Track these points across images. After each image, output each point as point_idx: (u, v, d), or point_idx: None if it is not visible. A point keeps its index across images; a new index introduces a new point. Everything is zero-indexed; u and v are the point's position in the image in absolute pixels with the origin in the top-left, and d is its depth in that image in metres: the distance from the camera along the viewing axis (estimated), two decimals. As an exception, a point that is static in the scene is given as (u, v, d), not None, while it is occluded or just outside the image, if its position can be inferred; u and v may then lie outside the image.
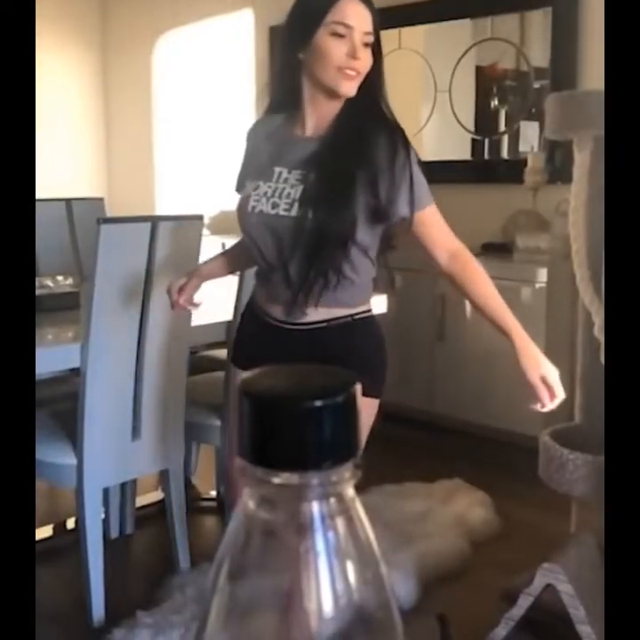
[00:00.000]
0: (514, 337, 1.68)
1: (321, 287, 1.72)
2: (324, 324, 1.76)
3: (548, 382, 1.65)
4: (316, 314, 1.75)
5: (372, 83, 1.74)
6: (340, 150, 1.72)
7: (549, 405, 1.65)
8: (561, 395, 1.66)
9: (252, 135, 1.89)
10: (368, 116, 1.74)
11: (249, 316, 1.91)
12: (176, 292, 1.89)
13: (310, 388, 0.33)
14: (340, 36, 1.67)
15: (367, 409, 1.78)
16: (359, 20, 1.68)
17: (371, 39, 1.69)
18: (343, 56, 1.68)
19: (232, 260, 2.02)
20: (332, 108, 1.76)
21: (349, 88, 1.71)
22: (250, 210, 1.75)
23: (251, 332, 1.89)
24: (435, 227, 1.75)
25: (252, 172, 1.81)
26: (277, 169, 1.76)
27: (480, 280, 1.75)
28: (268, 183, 1.75)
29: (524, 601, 2.02)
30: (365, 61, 1.70)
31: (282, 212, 1.72)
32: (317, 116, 1.77)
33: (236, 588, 0.34)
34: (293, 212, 1.70)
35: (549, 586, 1.96)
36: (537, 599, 2.00)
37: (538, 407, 1.67)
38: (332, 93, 1.72)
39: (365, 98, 1.74)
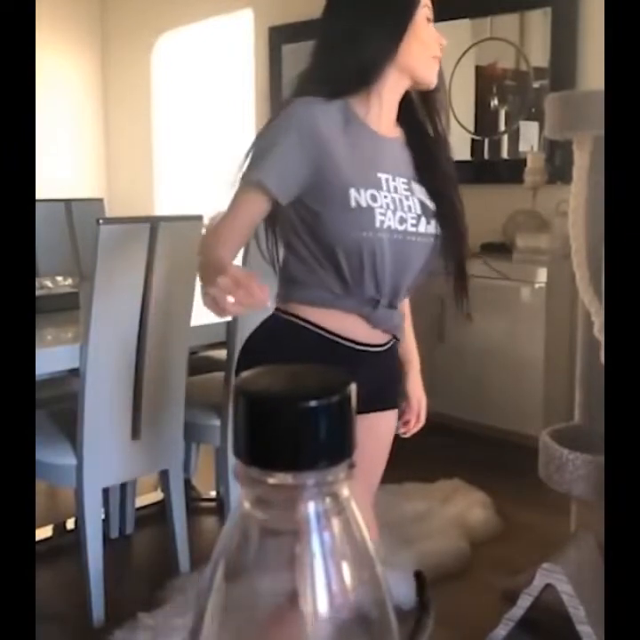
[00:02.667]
0: (412, 367, 1.80)
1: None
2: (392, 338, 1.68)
3: (420, 410, 1.82)
4: None
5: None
6: (440, 156, 1.62)
7: (412, 431, 1.82)
8: (422, 423, 1.82)
9: (320, 123, 1.51)
10: (430, 112, 1.65)
11: (307, 346, 1.56)
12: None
13: (306, 388, 0.33)
14: (429, 20, 1.55)
15: (395, 418, 1.76)
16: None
17: None
18: (434, 42, 1.56)
19: (232, 256, 1.73)
20: (397, 104, 1.61)
21: (436, 78, 1.58)
22: (378, 225, 1.50)
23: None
24: None
25: (346, 175, 1.50)
26: (382, 175, 1.54)
27: (408, 313, 1.80)
28: (383, 193, 1.52)
29: (523, 601, 2.02)
30: None
31: (410, 228, 1.54)
32: (390, 111, 1.60)
33: (231, 589, 0.34)
34: (421, 228, 1.55)
35: (549, 586, 1.96)
36: (537, 599, 2.00)
37: (402, 430, 1.81)
38: (418, 85, 1.58)
39: (428, 92, 1.63)
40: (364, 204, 1.49)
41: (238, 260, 2.53)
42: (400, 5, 1.53)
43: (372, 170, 1.53)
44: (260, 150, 1.50)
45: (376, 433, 1.65)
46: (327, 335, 1.55)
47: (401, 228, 1.52)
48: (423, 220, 1.56)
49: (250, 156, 1.52)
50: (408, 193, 1.55)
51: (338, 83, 1.53)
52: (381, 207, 1.50)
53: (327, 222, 1.50)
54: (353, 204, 1.49)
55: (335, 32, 1.54)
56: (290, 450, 0.32)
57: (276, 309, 1.59)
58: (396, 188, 1.54)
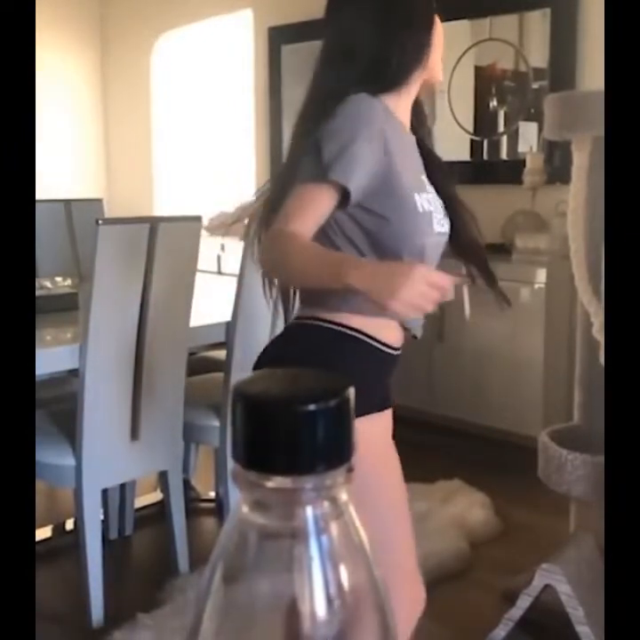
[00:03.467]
0: None
1: None
2: None
3: None
4: None
5: None
6: (436, 154, 1.63)
7: None
8: None
9: (382, 121, 1.45)
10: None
11: (361, 356, 1.50)
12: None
13: (304, 391, 0.33)
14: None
15: None
16: None
17: None
18: (441, 40, 1.56)
19: None
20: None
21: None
22: (435, 228, 1.49)
23: (375, 374, 1.53)
24: None
25: (406, 178, 1.46)
26: (422, 177, 1.52)
27: None
28: (429, 195, 1.50)
29: (522, 601, 2.02)
30: None
31: (442, 230, 1.53)
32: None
33: (230, 591, 0.34)
34: (445, 228, 1.54)
35: (548, 586, 1.96)
36: (536, 600, 2.00)
37: None
38: (430, 83, 1.57)
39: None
40: (427, 209, 1.47)
41: (237, 264, 2.52)
42: (425, 2, 1.53)
43: (417, 171, 1.51)
44: (334, 148, 1.38)
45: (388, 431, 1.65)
46: (374, 343, 1.50)
47: (436, 230, 1.51)
48: (445, 219, 1.55)
49: (320, 153, 1.39)
50: (433, 193, 1.54)
51: (376, 81, 1.47)
52: (434, 212, 1.49)
53: (396, 228, 1.44)
54: (420, 208, 1.45)
55: (361, 31, 1.48)
56: (288, 453, 0.32)
57: (315, 319, 1.48)
58: (429, 189, 1.53)
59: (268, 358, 1.54)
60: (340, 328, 1.47)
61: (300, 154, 1.45)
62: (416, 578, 1.54)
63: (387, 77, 1.48)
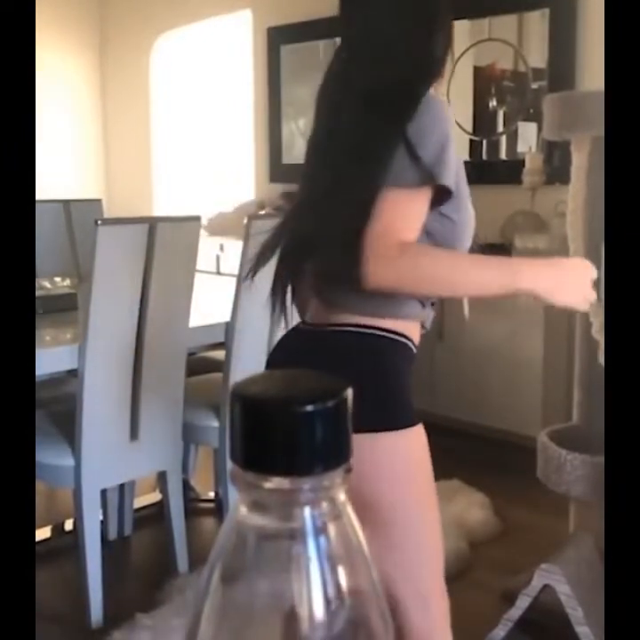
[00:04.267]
0: None
1: None
2: None
3: None
4: None
5: None
6: None
7: None
8: None
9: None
10: None
11: (407, 361, 1.46)
12: None
13: (302, 392, 0.33)
14: None
15: None
16: None
17: None
18: None
19: None
20: None
21: None
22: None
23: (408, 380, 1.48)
24: None
25: (462, 178, 1.44)
26: None
27: None
28: None
29: (522, 602, 2.02)
30: None
31: None
32: None
33: (228, 591, 0.34)
34: None
35: (548, 586, 1.96)
36: (536, 600, 2.00)
37: None
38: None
39: None
40: (471, 208, 1.47)
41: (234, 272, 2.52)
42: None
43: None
44: (432, 152, 1.34)
45: None
46: (411, 346, 1.45)
47: None
48: None
49: (416, 157, 1.33)
50: None
51: (427, 75, 1.43)
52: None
53: (458, 229, 1.42)
54: (470, 209, 1.45)
55: (400, 26, 1.43)
56: (286, 454, 0.32)
57: (356, 325, 1.41)
58: None
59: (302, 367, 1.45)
60: (390, 334, 1.42)
61: (383, 157, 1.36)
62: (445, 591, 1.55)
63: (432, 71, 1.45)
